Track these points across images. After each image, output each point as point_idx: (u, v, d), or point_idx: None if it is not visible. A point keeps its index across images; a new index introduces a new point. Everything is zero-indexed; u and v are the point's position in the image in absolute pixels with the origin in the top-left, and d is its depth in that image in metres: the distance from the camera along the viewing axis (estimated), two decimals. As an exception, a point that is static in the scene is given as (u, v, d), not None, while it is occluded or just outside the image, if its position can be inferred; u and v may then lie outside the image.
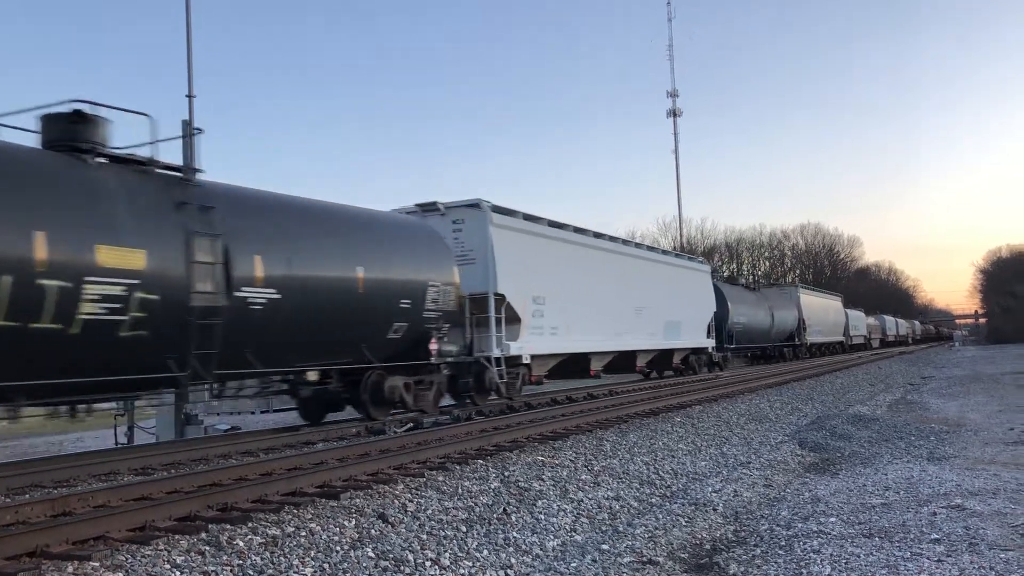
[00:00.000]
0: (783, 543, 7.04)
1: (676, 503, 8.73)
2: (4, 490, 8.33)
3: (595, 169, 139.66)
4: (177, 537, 6.11)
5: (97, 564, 5.42)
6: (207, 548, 5.90)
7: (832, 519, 7.84)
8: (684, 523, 7.89)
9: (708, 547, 7.18)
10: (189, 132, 17.48)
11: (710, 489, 9.46)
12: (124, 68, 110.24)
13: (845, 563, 6.29)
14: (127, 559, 5.57)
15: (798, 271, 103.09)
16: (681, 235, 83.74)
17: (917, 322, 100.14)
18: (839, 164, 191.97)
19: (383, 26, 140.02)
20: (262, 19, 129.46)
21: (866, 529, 7.36)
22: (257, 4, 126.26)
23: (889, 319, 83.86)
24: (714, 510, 8.47)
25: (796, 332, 45.07)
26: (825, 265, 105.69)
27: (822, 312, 51.53)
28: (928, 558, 6.32)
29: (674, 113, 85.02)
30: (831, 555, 6.53)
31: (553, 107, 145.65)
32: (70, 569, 5.30)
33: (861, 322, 68.91)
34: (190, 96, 18.64)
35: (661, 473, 10.24)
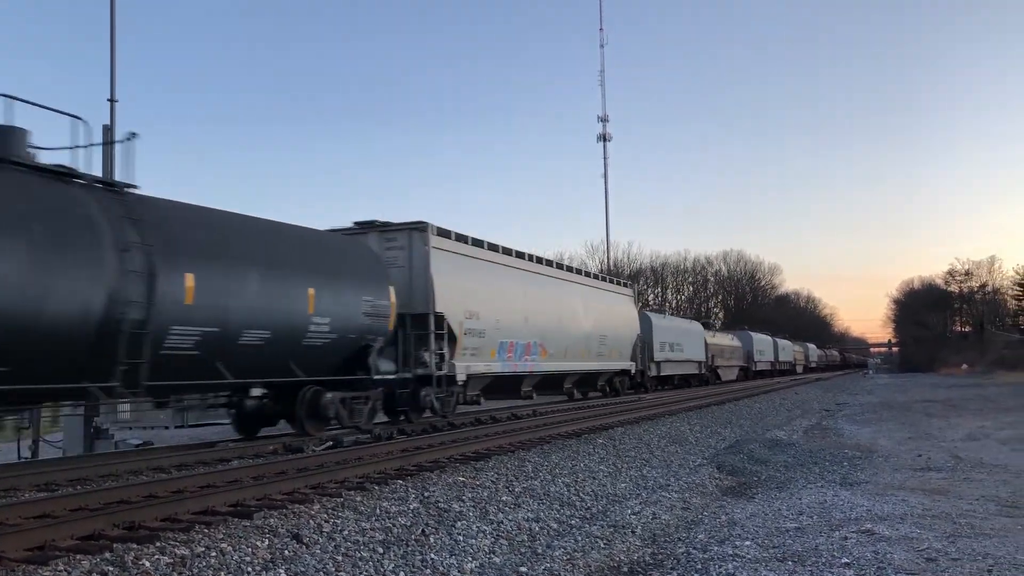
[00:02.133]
0: (699, 566, 7.10)
1: (596, 525, 8.74)
2: None
3: (526, 190, 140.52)
4: (79, 557, 5.85)
5: (-11, 586, 5.16)
6: (110, 568, 5.67)
7: (747, 542, 7.94)
8: (603, 545, 7.90)
9: (626, 570, 7.19)
10: (110, 139, 17.02)
11: (629, 511, 9.51)
12: (47, 74, 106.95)
13: (759, 587, 6.37)
14: (23, 581, 5.31)
15: (720, 297, 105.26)
16: (608, 258, 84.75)
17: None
18: (761, 192, 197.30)
19: (328, 50, 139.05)
20: (194, 26, 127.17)
21: (780, 553, 7.47)
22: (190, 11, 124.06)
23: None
24: (632, 532, 8.51)
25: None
26: (747, 291, 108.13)
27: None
28: (838, 582, 6.44)
29: (604, 137, 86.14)
30: (745, 578, 6.61)
31: (488, 128, 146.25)
32: (-42, 592, 5.03)
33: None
34: (112, 100, 18.12)
35: (582, 495, 10.26)
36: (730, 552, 7.55)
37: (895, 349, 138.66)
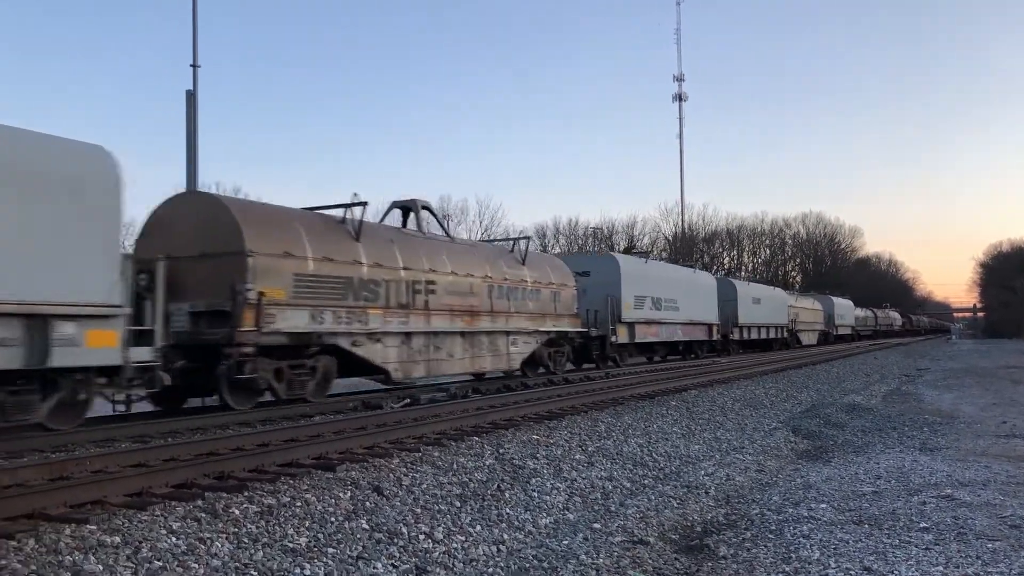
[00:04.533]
0: (773, 527, 7.11)
1: (669, 485, 8.80)
2: (3, 454, 8.39)
3: (596, 155, 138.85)
4: (174, 504, 6.17)
5: (94, 527, 5.48)
6: (203, 515, 5.96)
7: (823, 505, 7.91)
8: (676, 505, 7.95)
9: (699, 529, 7.25)
10: (193, 103, 17.50)
11: (703, 472, 9.53)
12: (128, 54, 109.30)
13: (834, 548, 6.36)
14: (124, 523, 5.63)
15: (798, 260, 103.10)
16: (683, 220, 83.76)
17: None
18: (843, 153, 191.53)
19: (376, 22, 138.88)
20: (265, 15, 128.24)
21: (856, 516, 7.43)
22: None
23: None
24: (706, 493, 8.54)
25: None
26: (825, 255, 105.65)
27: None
28: (916, 546, 6.39)
29: (679, 97, 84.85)
30: (820, 540, 6.60)
31: (551, 94, 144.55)
32: (67, 531, 5.36)
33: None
34: (194, 65, 18.57)
35: (655, 455, 10.32)
36: (805, 514, 7.53)
37: (980, 314, 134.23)
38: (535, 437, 10.27)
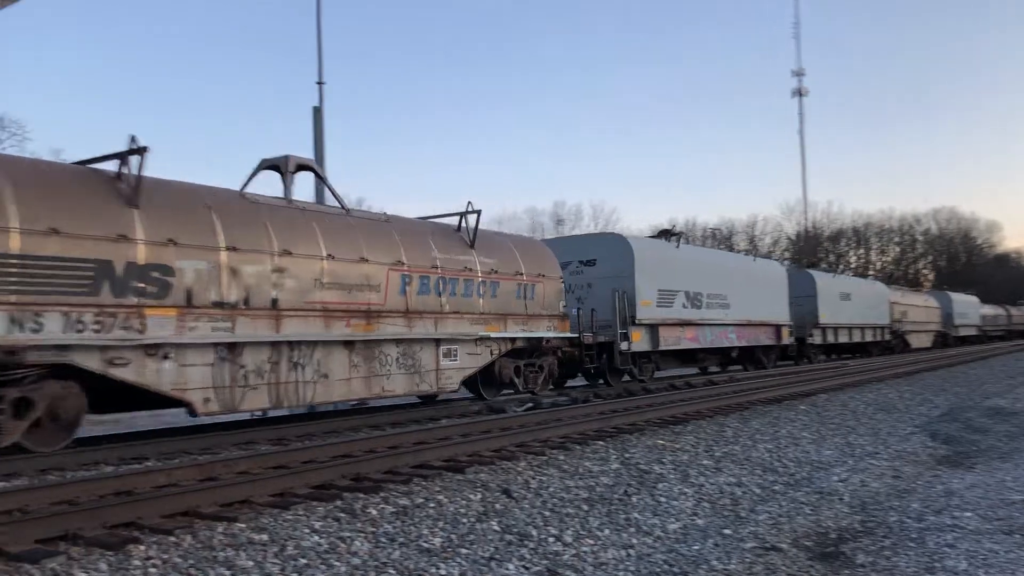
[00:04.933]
0: (914, 536, 6.85)
1: (800, 491, 8.59)
2: (156, 455, 8.94)
3: (714, 154, 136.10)
4: (314, 504, 6.44)
5: (243, 526, 5.79)
6: (342, 515, 6.20)
7: (967, 514, 7.56)
8: (809, 511, 7.76)
9: (834, 536, 7.05)
10: (319, 120, 18.15)
11: (835, 478, 9.27)
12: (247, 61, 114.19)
13: (983, 559, 6.08)
14: (270, 522, 5.92)
15: (930, 257, 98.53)
16: (806, 218, 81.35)
17: None
18: (977, 145, 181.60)
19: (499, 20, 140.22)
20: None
21: (1006, 525, 7.07)
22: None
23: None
24: (840, 499, 8.30)
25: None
26: (959, 251, 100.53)
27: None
28: (1073, 558, 6.04)
29: (799, 92, 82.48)
30: (967, 550, 6.32)
31: (667, 94, 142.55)
32: (220, 529, 5.68)
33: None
34: (320, 83, 19.26)
35: (784, 461, 10.09)
36: (948, 523, 7.22)
37: None
38: (660, 442, 10.20)
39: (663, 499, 7.74)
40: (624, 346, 19.02)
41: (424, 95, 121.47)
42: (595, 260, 20.31)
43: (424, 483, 7.30)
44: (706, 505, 7.83)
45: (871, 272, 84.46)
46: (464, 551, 5.80)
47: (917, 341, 44.86)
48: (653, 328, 20.50)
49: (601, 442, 9.91)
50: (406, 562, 5.47)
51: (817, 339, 31.36)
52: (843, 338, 34.07)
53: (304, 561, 5.26)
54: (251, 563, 5.13)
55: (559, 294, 16.98)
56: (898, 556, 6.32)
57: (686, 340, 21.94)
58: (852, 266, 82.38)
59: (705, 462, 9.40)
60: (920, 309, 46.76)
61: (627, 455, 9.21)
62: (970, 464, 10.49)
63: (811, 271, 35.04)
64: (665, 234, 24.38)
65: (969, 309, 58.06)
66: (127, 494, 6.49)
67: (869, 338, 37.11)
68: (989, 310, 64.76)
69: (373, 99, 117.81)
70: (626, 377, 20.08)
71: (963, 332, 55.23)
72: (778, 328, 27.38)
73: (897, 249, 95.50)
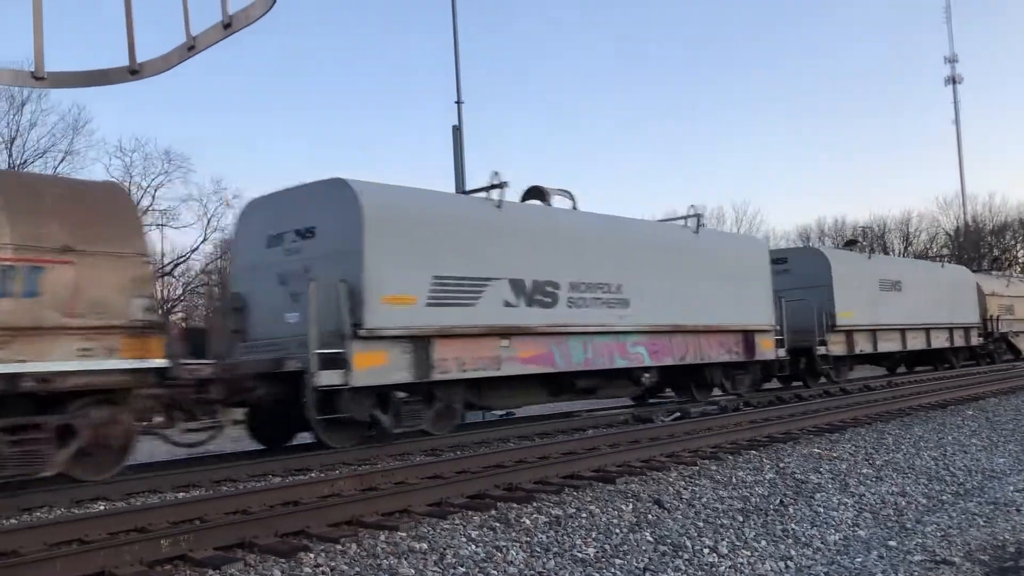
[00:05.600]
0: (1103, 550, 6.38)
1: (972, 502, 8.14)
2: (319, 466, 9.38)
3: (862, 149, 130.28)
4: (470, 513, 6.61)
5: (404, 534, 6.00)
6: (497, 524, 6.34)
7: None
8: (982, 523, 7.35)
9: (1012, 550, 6.65)
10: (458, 138, 18.61)
11: (1011, 488, 8.73)
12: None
13: None
14: (429, 531, 6.12)
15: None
16: (964, 212, 76.78)
17: None
18: None
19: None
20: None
21: None
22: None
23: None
24: (1018, 511, 7.81)
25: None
26: None
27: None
28: None
29: (953, 80, 78.21)
30: None
31: (808, 89, 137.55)
32: (382, 537, 5.91)
33: None
34: (459, 102, 19.74)
35: (952, 469, 9.58)
36: None
37: None
38: (816, 450, 9.89)
39: (821, 509, 7.50)
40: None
41: (567, 101, 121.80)
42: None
43: (575, 493, 7.36)
44: (867, 515, 7.54)
45: (1042, 266, 78.71)
46: (618, 561, 5.81)
47: None
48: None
49: (754, 451, 9.70)
50: (561, 571, 5.54)
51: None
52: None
53: (463, 570, 5.41)
54: (412, 571, 5.32)
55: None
56: (1085, 572, 5.91)
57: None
58: (1020, 261, 76.99)
59: (865, 471, 9.04)
60: None
61: (781, 464, 8.98)
62: None
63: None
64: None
65: None
66: (294, 504, 6.86)
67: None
68: None
69: (505, 109, 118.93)
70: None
71: None
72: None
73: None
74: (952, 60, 77.16)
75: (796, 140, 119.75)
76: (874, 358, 24.88)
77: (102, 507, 7.72)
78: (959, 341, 27.49)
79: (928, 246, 72.89)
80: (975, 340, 28.62)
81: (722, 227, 68.97)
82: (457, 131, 19.05)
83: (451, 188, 18.46)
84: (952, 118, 76.79)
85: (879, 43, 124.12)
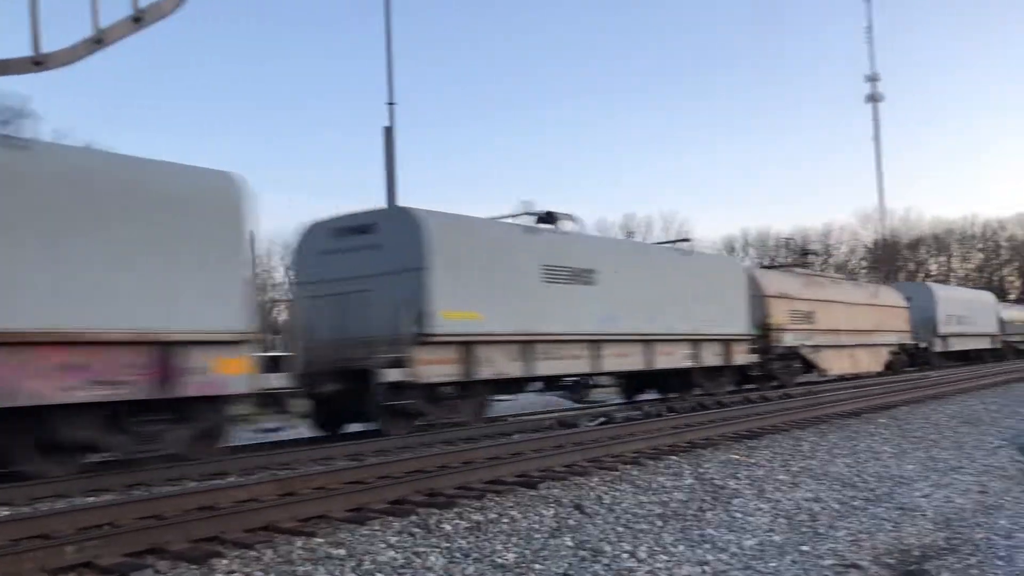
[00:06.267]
0: (1002, 554, 6.64)
1: (881, 507, 8.39)
2: (238, 471, 9.19)
3: (786, 162, 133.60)
4: (390, 519, 6.55)
5: (321, 540, 5.92)
6: (417, 530, 6.30)
7: (1059, 531, 7.29)
8: (890, 528, 7.58)
9: (917, 554, 6.87)
10: (390, 140, 18.49)
11: (918, 494, 9.02)
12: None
13: (1074, 578, 5.87)
14: (347, 537, 6.05)
15: (1016, 264, 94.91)
16: (883, 226, 79.37)
17: None
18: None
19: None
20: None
21: (1099, 543, 6.80)
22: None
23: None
24: (923, 516, 8.08)
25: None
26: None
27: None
28: None
29: (873, 98, 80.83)
30: (1058, 569, 6.10)
31: (736, 101, 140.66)
32: (299, 543, 5.82)
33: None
34: (391, 103, 19.63)
35: (864, 476, 9.86)
36: (1038, 540, 6.98)
37: None
38: (734, 456, 10.08)
39: (738, 515, 7.64)
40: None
41: (494, 109, 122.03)
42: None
43: (497, 498, 7.36)
44: (783, 521, 7.69)
45: (954, 280, 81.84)
46: (538, 567, 5.82)
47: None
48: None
49: (674, 457, 9.84)
50: (480, 577, 5.53)
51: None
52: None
53: (381, 576, 5.36)
54: (330, 577, 5.25)
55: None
56: (984, 574, 6.13)
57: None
58: (933, 274, 79.90)
59: (781, 477, 9.24)
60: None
61: (700, 470, 9.13)
62: (1062, 479, 10.10)
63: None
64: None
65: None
66: (210, 509, 6.70)
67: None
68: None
69: (438, 110, 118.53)
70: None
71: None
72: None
73: (980, 256, 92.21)
74: (873, 79, 79.74)
75: (724, 152, 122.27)
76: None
77: (6, 512, 7.43)
78: (712, 359, 19.93)
79: (848, 258, 75.12)
80: (741, 358, 21.21)
81: (651, 235, 70.09)
82: (389, 132, 18.92)
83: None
84: (872, 134, 79.27)
85: (807, 58, 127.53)
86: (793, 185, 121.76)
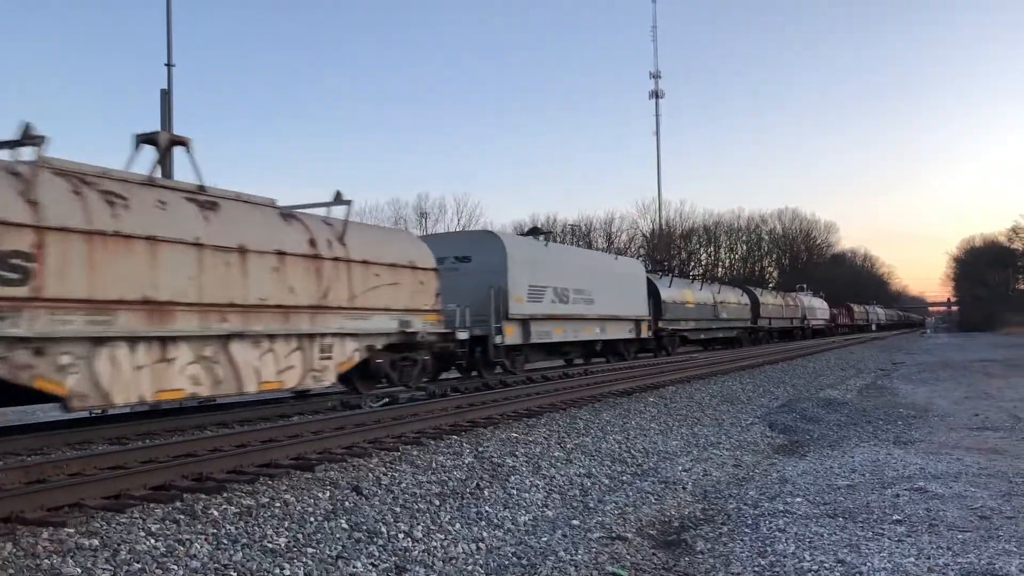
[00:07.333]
0: (750, 522, 7.20)
1: (647, 481, 8.87)
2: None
3: (574, 152, 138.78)
4: (152, 505, 6.16)
5: (72, 531, 5.46)
6: (181, 516, 5.96)
7: (798, 499, 8.01)
8: (654, 501, 8.03)
9: (676, 524, 7.32)
10: (167, 102, 17.39)
11: (680, 468, 9.62)
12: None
13: (808, 542, 6.45)
14: (102, 526, 5.62)
15: (774, 255, 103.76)
16: (660, 217, 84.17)
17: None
18: (818, 150, 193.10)
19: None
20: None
21: (831, 509, 7.53)
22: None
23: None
24: (683, 489, 8.62)
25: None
26: (801, 250, 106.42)
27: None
28: (889, 538, 6.49)
29: (656, 94, 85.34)
30: (795, 534, 6.69)
31: (529, 90, 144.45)
32: (45, 535, 5.34)
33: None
34: (169, 64, 18.45)
35: (633, 451, 10.39)
36: (781, 508, 7.63)
37: (955, 308, 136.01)
38: (514, 435, 10.31)
39: (514, 491, 7.81)
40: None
41: (290, 85, 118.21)
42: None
43: (271, 482, 7.11)
44: (556, 497, 7.96)
45: (721, 269, 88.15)
46: (310, 550, 5.67)
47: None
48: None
49: (456, 436, 9.93)
50: (248, 563, 5.30)
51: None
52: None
53: (139, 566, 5.01)
54: (79, 570, 4.85)
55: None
56: (734, 542, 6.62)
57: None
58: (703, 263, 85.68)
59: (557, 454, 9.56)
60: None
61: (480, 448, 9.26)
62: (803, 452, 11.13)
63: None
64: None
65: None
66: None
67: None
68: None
69: (235, 84, 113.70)
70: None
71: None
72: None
73: (744, 247, 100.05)
74: (656, 76, 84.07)
75: (514, 141, 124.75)
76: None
77: None
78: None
79: (627, 246, 78.99)
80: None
81: (444, 217, 70.48)
82: (166, 95, 17.77)
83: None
84: (654, 130, 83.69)
85: (597, 54, 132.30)
86: (580, 176, 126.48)
